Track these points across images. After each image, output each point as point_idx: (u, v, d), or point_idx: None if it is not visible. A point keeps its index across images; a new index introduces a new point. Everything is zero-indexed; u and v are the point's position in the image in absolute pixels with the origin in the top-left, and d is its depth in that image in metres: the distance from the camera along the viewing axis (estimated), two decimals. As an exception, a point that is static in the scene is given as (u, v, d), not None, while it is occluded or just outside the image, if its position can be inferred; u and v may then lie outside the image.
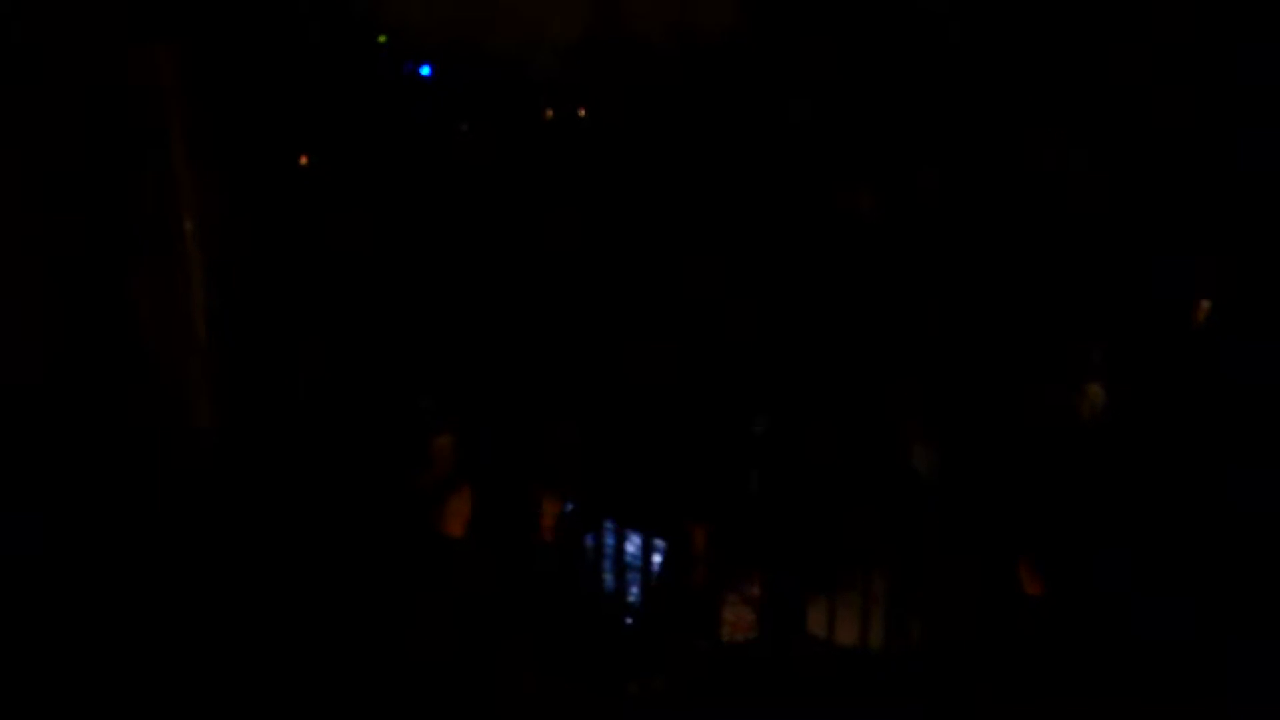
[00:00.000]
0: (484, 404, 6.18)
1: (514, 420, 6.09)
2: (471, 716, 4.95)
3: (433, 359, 6.42)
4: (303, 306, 6.49)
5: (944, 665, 5.33)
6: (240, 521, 5.51)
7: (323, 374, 6.22)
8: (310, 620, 5.11)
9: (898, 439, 5.81)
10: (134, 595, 5.20)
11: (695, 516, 5.69)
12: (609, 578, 5.76)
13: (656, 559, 5.77)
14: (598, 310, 6.66)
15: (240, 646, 5.09)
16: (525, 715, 5.15)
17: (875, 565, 5.57)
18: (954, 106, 6.74)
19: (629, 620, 5.71)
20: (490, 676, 5.05)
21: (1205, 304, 5.79)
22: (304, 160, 7.14)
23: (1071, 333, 5.97)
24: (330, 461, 5.74)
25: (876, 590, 5.54)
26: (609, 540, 5.79)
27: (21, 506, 5.23)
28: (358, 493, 5.61)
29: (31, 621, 5.06)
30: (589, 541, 5.79)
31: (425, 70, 7.61)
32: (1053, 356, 5.94)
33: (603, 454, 5.99)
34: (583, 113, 7.64)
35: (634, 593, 5.75)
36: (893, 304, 6.17)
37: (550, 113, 7.65)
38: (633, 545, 5.78)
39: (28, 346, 5.54)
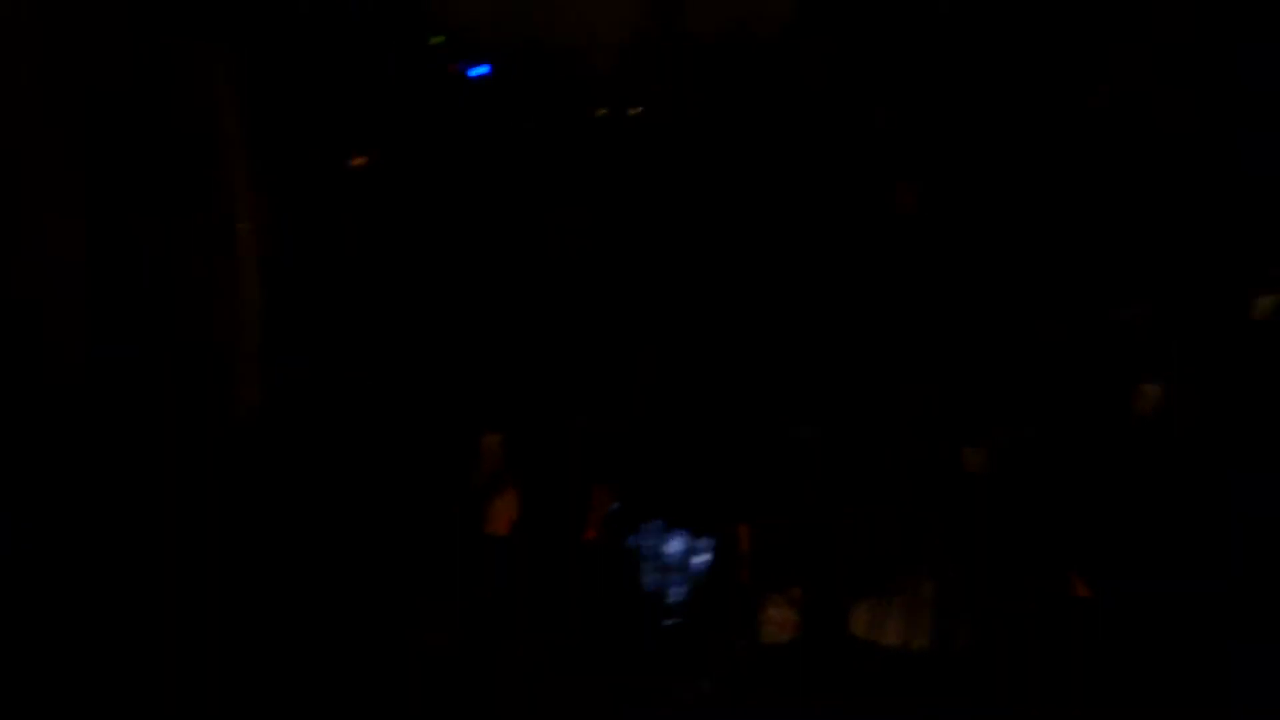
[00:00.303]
0: (533, 403, 6.20)
1: (563, 420, 6.10)
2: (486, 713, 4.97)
3: (483, 357, 6.45)
4: (354, 305, 6.55)
5: (990, 669, 5.25)
6: (275, 513, 5.56)
7: (371, 372, 6.28)
8: (347, 614, 5.16)
9: (946, 442, 5.73)
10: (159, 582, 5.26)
11: (740, 517, 5.66)
12: (654, 577, 5.75)
13: (702, 559, 5.74)
14: (646, 311, 6.64)
15: (268, 637, 5.14)
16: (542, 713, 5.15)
17: (922, 567, 5.50)
18: (1006, 103, 6.65)
19: (673, 620, 5.70)
20: (512, 675, 5.06)
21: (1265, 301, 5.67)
22: (361, 161, 7.20)
23: (1128, 332, 5.87)
24: (373, 459, 5.79)
25: (924, 593, 5.47)
26: (654, 540, 5.78)
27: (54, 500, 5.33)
28: (401, 489, 5.65)
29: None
30: (634, 541, 5.78)
31: (481, 70, 7.64)
32: (1108, 356, 5.84)
33: (649, 454, 5.98)
34: (636, 111, 7.61)
35: (678, 592, 5.73)
36: (942, 306, 6.10)
37: (604, 111, 7.64)
38: (677, 545, 5.75)
39: (71, 347, 5.65)
